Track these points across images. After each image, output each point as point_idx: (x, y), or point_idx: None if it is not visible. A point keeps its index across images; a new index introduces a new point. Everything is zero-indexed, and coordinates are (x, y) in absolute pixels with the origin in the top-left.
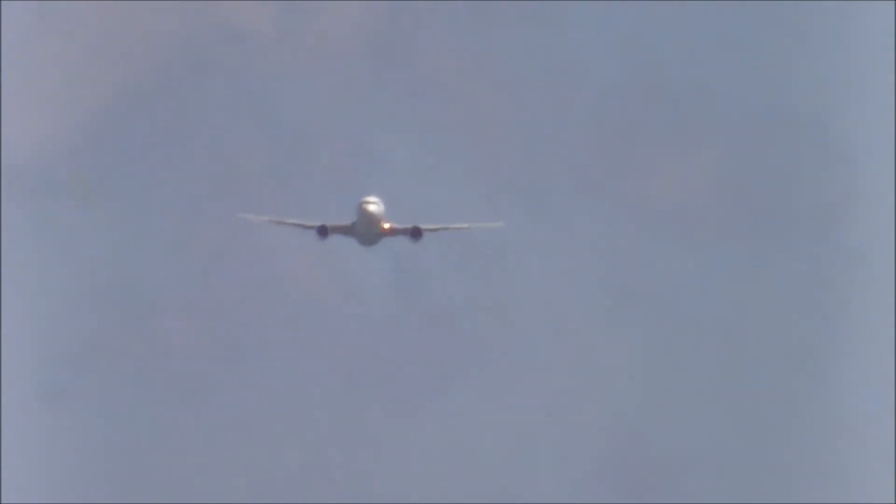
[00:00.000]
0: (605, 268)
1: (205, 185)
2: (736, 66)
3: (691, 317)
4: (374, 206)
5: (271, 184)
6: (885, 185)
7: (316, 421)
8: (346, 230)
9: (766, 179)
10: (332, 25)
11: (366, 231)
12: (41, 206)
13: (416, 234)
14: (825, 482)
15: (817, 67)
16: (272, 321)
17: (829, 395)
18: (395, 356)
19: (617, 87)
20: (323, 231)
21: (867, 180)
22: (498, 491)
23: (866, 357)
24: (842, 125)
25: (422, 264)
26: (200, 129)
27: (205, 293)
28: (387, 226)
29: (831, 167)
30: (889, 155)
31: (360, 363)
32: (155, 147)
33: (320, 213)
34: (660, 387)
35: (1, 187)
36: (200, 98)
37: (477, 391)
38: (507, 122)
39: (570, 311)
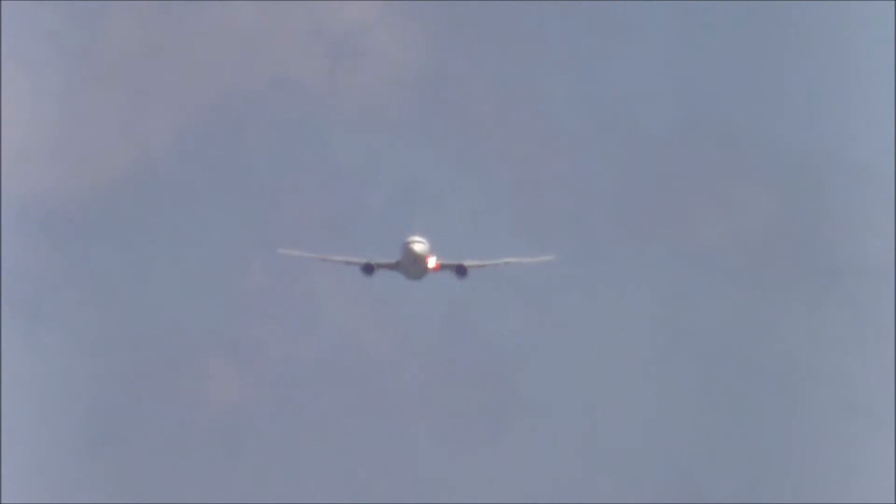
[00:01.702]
0: (656, 309)
1: (254, 226)
2: (787, 111)
3: (741, 358)
4: (420, 245)
5: (319, 225)
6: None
7: (365, 461)
8: (391, 267)
9: (816, 223)
10: (380, 72)
11: (411, 269)
12: (83, 245)
13: (461, 271)
14: (825, 482)
15: (817, 67)
16: (325, 359)
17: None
18: (444, 394)
19: (667, 129)
20: (368, 268)
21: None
22: None
23: None
24: (842, 125)
25: (472, 301)
26: (251, 173)
27: (253, 333)
28: (432, 263)
29: (878, 212)
30: (889, 155)
31: (407, 402)
32: (207, 190)
33: (369, 252)
34: (708, 427)
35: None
36: (251, 144)
37: (526, 431)
38: (559, 165)
39: (619, 351)
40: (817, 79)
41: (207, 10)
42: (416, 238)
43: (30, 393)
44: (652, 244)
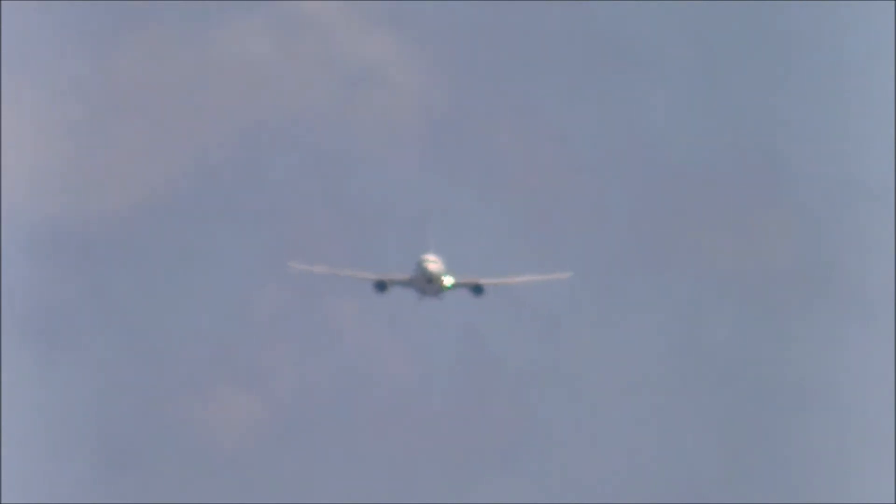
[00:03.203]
0: (676, 335)
1: (269, 255)
2: (807, 137)
3: (761, 384)
4: (434, 264)
5: (336, 255)
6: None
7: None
8: (405, 283)
9: (838, 248)
10: (397, 101)
11: (425, 288)
12: (96, 265)
13: (477, 289)
14: (825, 482)
15: (817, 68)
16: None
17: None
18: (462, 416)
19: (688, 155)
20: (381, 285)
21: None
22: None
23: None
24: (842, 125)
25: (488, 321)
26: (267, 203)
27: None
28: (448, 282)
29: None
30: (889, 155)
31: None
32: (222, 218)
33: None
34: (724, 451)
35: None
36: (267, 174)
37: (544, 455)
38: (576, 190)
39: (639, 376)
40: (817, 80)
41: (224, 40)
42: (431, 257)
43: (37, 420)
44: (668, 267)
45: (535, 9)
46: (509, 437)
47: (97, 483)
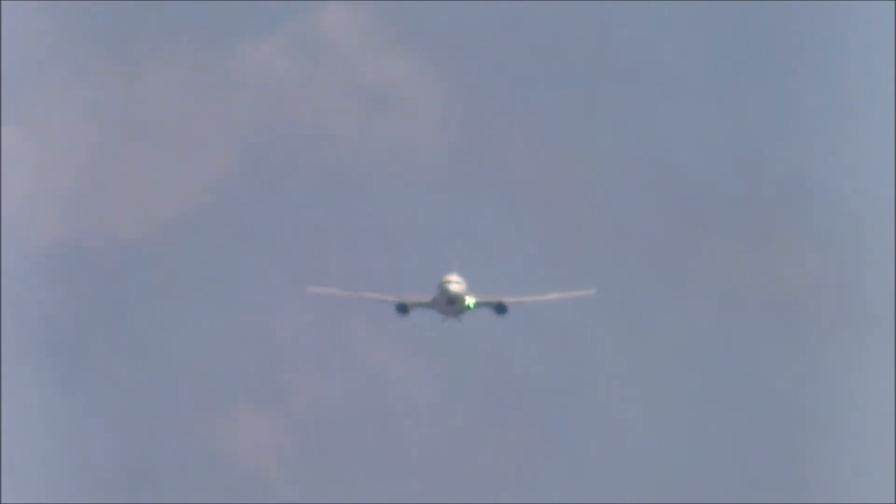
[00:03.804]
0: (698, 357)
1: (288, 276)
2: (827, 158)
3: (783, 406)
4: (456, 285)
5: (355, 276)
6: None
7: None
8: (426, 305)
9: (859, 270)
10: (416, 121)
11: (448, 309)
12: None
13: (500, 308)
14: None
15: (817, 68)
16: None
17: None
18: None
19: (707, 176)
20: (402, 307)
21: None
22: None
23: None
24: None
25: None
26: (286, 223)
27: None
28: (470, 302)
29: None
30: (889, 155)
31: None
32: (241, 240)
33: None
34: (747, 470)
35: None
36: (285, 195)
37: (563, 470)
38: (601, 208)
39: (659, 395)
40: (817, 79)
41: (241, 59)
42: (453, 278)
43: (40, 441)
44: (687, 284)
45: (551, 28)
46: (530, 458)
47: None
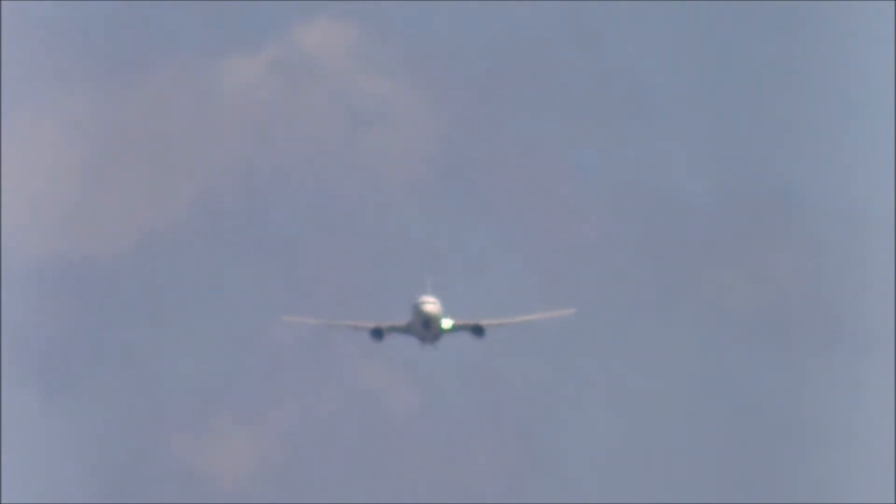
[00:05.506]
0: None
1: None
2: (819, 172)
3: (772, 421)
4: (432, 305)
5: (338, 293)
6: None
7: None
8: (402, 329)
9: (847, 284)
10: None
11: (424, 331)
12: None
13: (477, 330)
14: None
15: (817, 68)
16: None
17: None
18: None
19: (695, 190)
20: (378, 333)
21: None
22: None
23: None
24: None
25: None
26: (269, 242)
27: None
28: (447, 324)
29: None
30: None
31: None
32: (224, 258)
33: (382, 316)
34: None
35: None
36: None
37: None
38: (587, 226)
39: (647, 411)
40: (817, 79)
41: (226, 77)
42: (429, 298)
43: (37, 459)
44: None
45: (540, 50)
46: (516, 477)
47: None
